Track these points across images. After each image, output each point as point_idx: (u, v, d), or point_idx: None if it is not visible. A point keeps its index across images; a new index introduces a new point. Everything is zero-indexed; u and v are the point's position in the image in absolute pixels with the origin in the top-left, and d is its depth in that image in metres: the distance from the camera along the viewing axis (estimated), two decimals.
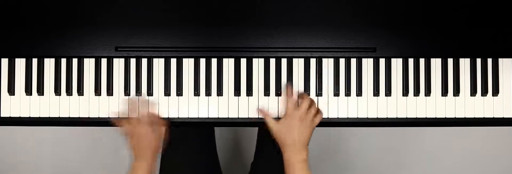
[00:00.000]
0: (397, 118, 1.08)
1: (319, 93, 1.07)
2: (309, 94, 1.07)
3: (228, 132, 1.81)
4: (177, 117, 1.07)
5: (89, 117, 1.07)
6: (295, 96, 1.05)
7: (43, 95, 1.07)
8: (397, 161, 1.83)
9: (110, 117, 1.06)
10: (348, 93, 1.07)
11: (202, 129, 1.26)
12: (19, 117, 1.07)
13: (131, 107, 1.05)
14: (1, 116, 1.08)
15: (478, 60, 1.09)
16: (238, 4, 1.05)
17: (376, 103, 1.07)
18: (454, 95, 1.08)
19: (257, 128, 1.38)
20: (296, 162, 0.98)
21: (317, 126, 1.05)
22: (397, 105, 1.08)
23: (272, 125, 1.03)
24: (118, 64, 1.07)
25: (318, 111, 1.04)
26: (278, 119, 1.04)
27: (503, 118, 1.08)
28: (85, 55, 1.06)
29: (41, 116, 1.07)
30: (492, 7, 1.06)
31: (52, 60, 1.08)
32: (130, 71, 1.07)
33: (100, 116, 1.07)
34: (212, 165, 1.27)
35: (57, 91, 1.07)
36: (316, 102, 1.06)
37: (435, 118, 1.08)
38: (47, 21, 1.05)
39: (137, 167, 1.00)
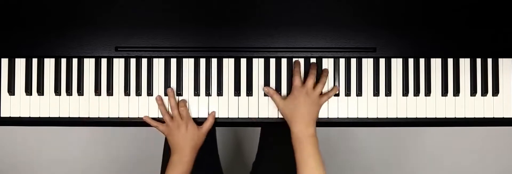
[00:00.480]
0: (397, 118, 1.08)
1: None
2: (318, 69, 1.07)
3: (229, 132, 1.81)
4: None
5: (89, 117, 1.07)
6: (302, 73, 1.05)
7: (43, 95, 1.07)
8: (397, 161, 1.83)
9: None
10: (348, 93, 1.07)
11: None
12: (19, 117, 1.07)
13: (163, 108, 1.06)
14: (1, 116, 1.08)
15: (478, 60, 1.09)
16: (238, 4, 1.05)
17: (376, 103, 1.07)
18: (454, 95, 1.08)
19: (259, 128, 1.38)
20: (305, 136, 0.98)
21: (317, 126, 1.05)
22: (397, 105, 1.07)
23: (279, 101, 1.03)
24: (118, 64, 1.07)
25: (331, 90, 1.05)
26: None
27: (503, 118, 1.08)
28: (85, 55, 1.06)
29: (41, 116, 1.07)
30: (492, 7, 1.06)
31: (52, 60, 1.08)
32: (130, 71, 1.07)
33: (100, 116, 1.07)
34: (213, 165, 1.27)
35: (57, 91, 1.07)
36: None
37: (435, 118, 1.08)
38: (47, 21, 1.05)
39: (174, 162, 1.03)
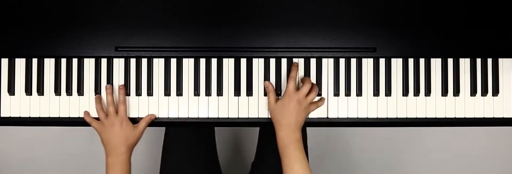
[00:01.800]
0: (397, 118, 1.08)
1: (319, 93, 1.07)
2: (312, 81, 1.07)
3: (229, 132, 1.81)
4: (177, 117, 1.07)
5: None
6: (297, 79, 1.06)
7: (43, 95, 1.07)
8: (397, 161, 1.83)
9: (81, 116, 1.07)
10: (348, 93, 1.07)
11: (202, 128, 1.26)
12: (19, 117, 1.07)
13: (99, 105, 1.05)
14: (1, 116, 1.08)
15: (478, 60, 1.09)
16: (238, 4, 1.05)
17: (376, 103, 1.07)
18: (454, 95, 1.08)
19: (258, 128, 1.38)
20: (291, 142, 0.98)
21: (317, 126, 1.06)
22: (397, 105, 1.07)
23: (271, 102, 1.03)
24: (118, 64, 1.07)
25: (320, 100, 1.05)
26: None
27: (503, 118, 1.08)
28: (85, 55, 1.06)
29: (41, 116, 1.07)
30: (492, 7, 1.06)
31: (52, 60, 1.08)
32: (130, 71, 1.07)
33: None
34: (212, 165, 1.27)
35: (57, 91, 1.07)
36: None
37: (435, 118, 1.08)
38: (47, 21, 1.05)
39: (111, 163, 1.01)
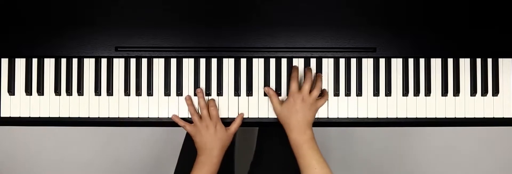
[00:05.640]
0: (397, 118, 1.08)
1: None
2: (314, 74, 1.07)
3: None
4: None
5: (89, 117, 1.07)
6: (299, 78, 1.05)
7: (43, 95, 1.07)
8: (397, 161, 1.83)
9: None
10: (348, 93, 1.07)
11: None
12: (19, 117, 1.07)
13: (192, 108, 1.05)
14: (1, 116, 1.08)
15: (478, 60, 1.09)
16: (238, 4, 1.05)
17: (376, 103, 1.07)
18: (454, 95, 1.08)
19: (256, 128, 1.38)
20: (303, 142, 0.98)
21: (317, 126, 1.05)
22: (397, 105, 1.08)
23: (276, 105, 1.03)
24: (118, 64, 1.07)
25: (324, 95, 1.05)
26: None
27: (503, 118, 1.08)
28: (85, 55, 1.06)
29: (41, 116, 1.07)
30: (492, 7, 1.06)
31: (52, 60, 1.08)
32: (130, 71, 1.07)
33: (100, 116, 1.07)
34: (227, 167, 1.27)
35: (57, 91, 1.07)
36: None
37: (435, 118, 1.08)
38: (47, 21, 1.05)
39: (202, 162, 1.02)
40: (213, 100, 1.06)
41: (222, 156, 1.04)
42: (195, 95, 1.07)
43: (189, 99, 1.06)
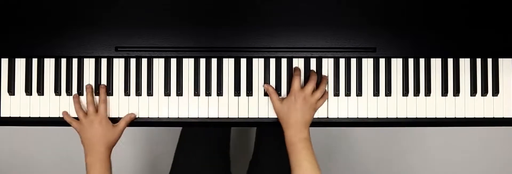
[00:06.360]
0: (397, 118, 1.08)
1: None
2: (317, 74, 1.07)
3: None
4: (177, 117, 1.07)
5: None
6: (302, 77, 1.05)
7: (43, 95, 1.07)
8: (397, 161, 1.83)
9: (61, 116, 1.06)
10: (348, 93, 1.07)
11: (219, 129, 1.27)
12: (19, 117, 1.07)
13: (78, 105, 1.05)
14: (1, 116, 1.08)
15: (478, 60, 1.09)
16: (238, 4, 1.05)
17: (376, 103, 1.07)
18: (454, 95, 1.08)
19: (255, 127, 1.38)
20: (298, 141, 0.98)
21: (317, 126, 1.06)
22: (397, 105, 1.08)
23: (275, 102, 1.03)
24: (118, 64, 1.07)
25: (323, 94, 1.05)
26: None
27: (503, 118, 1.08)
28: (85, 55, 1.06)
29: (41, 116, 1.07)
30: (492, 7, 1.06)
31: (52, 60, 1.08)
32: (130, 71, 1.07)
33: None
34: (223, 167, 1.27)
35: (57, 91, 1.07)
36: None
37: (435, 118, 1.08)
38: (47, 21, 1.05)
39: (90, 163, 1.00)
40: (105, 95, 1.05)
41: (109, 153, 1.02)
42: (195, 94, 1.07)
43: (76, 97, 1.05)
